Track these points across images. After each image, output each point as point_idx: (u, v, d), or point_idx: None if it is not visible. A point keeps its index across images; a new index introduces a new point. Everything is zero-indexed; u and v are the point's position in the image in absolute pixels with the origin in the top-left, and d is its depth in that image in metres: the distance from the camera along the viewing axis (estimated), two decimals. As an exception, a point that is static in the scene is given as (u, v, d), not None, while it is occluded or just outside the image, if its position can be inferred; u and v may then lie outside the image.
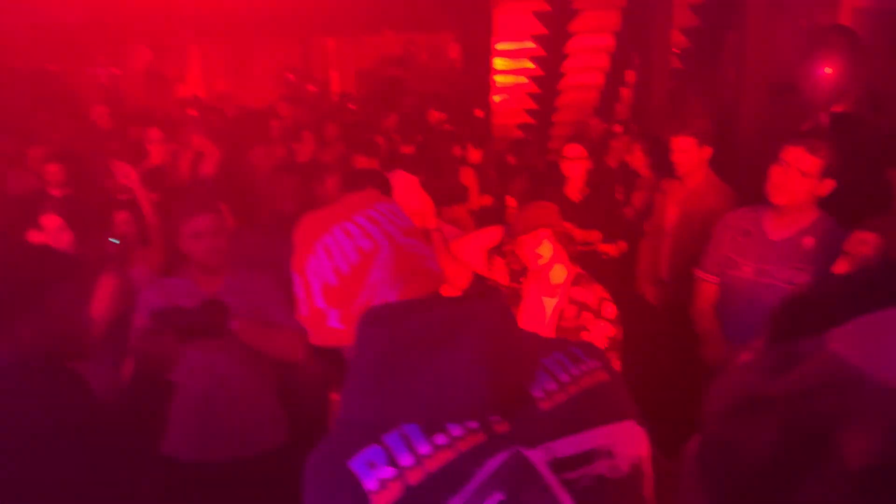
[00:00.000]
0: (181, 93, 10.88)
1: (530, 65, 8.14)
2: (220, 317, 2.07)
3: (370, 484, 0.93)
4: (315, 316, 1.17)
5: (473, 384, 1.01)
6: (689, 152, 3.73)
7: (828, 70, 4.49)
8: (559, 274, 2.65)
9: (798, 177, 2.63)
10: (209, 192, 2.88)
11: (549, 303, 2.65)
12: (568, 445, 1.03)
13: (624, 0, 7.50)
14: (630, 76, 7.98)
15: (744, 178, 4.71)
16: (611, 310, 2.58)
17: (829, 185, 2.66)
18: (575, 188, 4.36)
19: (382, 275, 1.11)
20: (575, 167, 4.34)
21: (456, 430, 0.98)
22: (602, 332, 2.54)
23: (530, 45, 7.96)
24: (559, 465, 1.01)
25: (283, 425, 2.77)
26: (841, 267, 2.33)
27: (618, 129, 6.03)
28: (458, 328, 1.03)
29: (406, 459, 0.95)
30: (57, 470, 1.51)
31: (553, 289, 2.65)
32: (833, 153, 2.62)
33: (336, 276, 1.12)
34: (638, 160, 4.95)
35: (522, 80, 8.32)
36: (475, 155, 5.78)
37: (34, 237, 3.17)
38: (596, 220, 4.25)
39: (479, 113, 8.34)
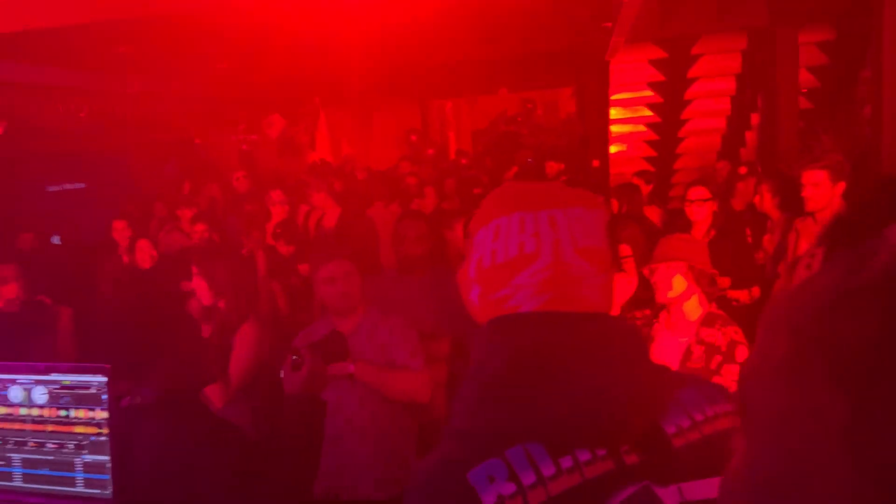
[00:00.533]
0: (311, 158, 11.60)
1: (648, 112, 8.05)
2: (340, 345, 2.18)
3: (489, 498, 0.90)
4: (465, 280, 1.13)
5: (606, 409, 0.97)
6: (821, 186, 3.55)
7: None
8: (692, 311, 2.56)
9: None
10: (340, 242, 3.05)
11: (679, 341, 2.56)
12: (699, 489, 0.98)
13: (744, 43, 7.32)
14: (754, 119, 7.71)
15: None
16: (744, 355, 2.44)
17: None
18: (700, 232, 4.22)
19: (530, 282, 1.05)
20: (700, 210, 4.21)
21: (584, 455, 0.95)
22: (733, 377, 2.40)
23: (647, 92, 7.89)
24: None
25: (395, 474, 2.79)
26: None
27: (743, 170, 5.80)
28: (595, 349, 1.01)
29: (528, 478, 0.92)
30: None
31: (684, 326, 2.56)
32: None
33: (491, 259, 1.07)
34: (766, 201, 4.73)
35: (640, 128, 8.23)
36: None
37: (186, 286, 3.48)
38: (724, 264, 4.07)
39: (595, 163, 8.32)
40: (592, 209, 1.08)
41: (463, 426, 1.00)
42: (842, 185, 3.54)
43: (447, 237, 4.09)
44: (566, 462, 0.94)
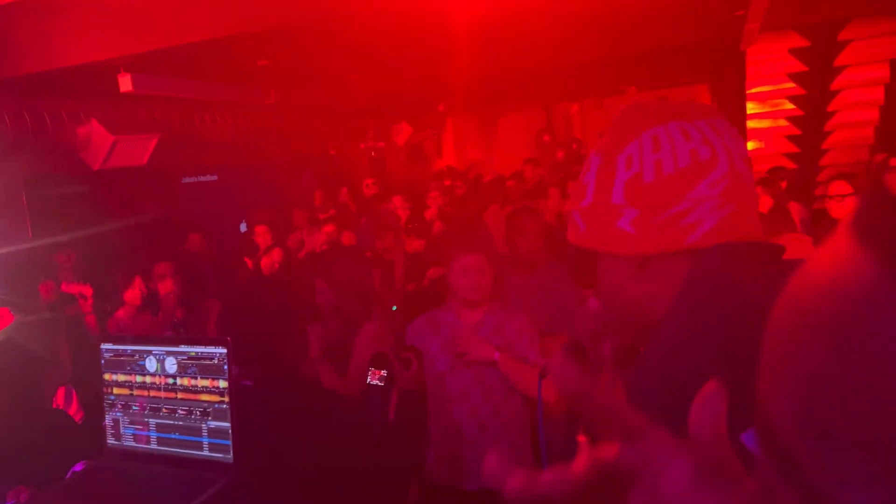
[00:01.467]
0: (438, 164, 11.86)
1: (789, 105, 7.54)
2: (413, 357, 2.21)
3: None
4: (600, 209, 0.98)
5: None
6: None
7: None
8: None
9: None
10: (482, 235, 3.14)
11: None
12: None
13: (900, 25, 6.70)
14: (914, 108, 7.03)
15: None
16: None
17: None
18: None
19: (711, 194, 0.91)
20: (843, 206, 3.91)
21: None
22: None
23: (789, 84, 7.40)
24: None
25: (529, 463, 2.80)
26: None
27: (894, 161, 5.29)
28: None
29: None
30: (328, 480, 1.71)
31: None
32: None
33: (655, 172, 0.93)
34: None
35: (781, 122, 7.72)
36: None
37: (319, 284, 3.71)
38: None
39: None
40: (727, 120, 0.98)
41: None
42: None
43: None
44: None
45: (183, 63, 5.28)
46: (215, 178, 8.60)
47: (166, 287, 4.57)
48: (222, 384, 1.70)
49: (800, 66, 7.21)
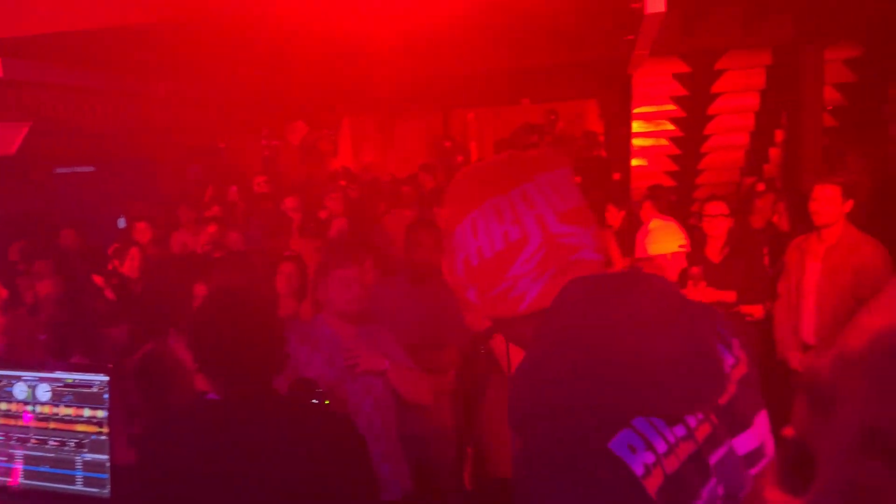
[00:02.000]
0: (333, 165, 11.68)
1: (670, 126, 8.00)
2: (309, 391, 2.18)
3: (638, 469, 0.87)
4: (455, 281, 1.07)
5: (703, 374, 0.96)
6: (831, 203, 3.53)
7: None
8: None
9: None
10: (358, 247, 3.08)
11: None
12: (748, 441, 1.03)
13: (769, 59, 7.25)
14: (778, 135, 7.63)
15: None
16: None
17: None
18: (716, 247, 4.17)
19: (527, 269, 1.00)
20: (716, 225, 4.16)
21: (692, 421, 0.95)
22: None
23: (670, 106, 7.84)
24: (750, 459, 1.02)
25: (406, 475, 2.80)
26: None
27: (761, 187, 5.72)
28: (668, 312, 0.97)
29: (661, 446, 0.90)
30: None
31: None
32: None
33: (478, 257, 1.02)
34: (784, 219, 4.68)
35: (662, 142, 8.17)
36: (616, 217, 5.66)
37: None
38: (736, 281, 4.03)
39: (616, 176, 8.28)
40: (556, 169, 1.04)
41: (580, 402, 0.94)
42: (850, 204, 3.52)
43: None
44: (680, 430, 0.93)
45: (62, 50, 4.94)
46: (92, 169, 8.08)
47: (45, 288, 4.24)
48: (101, 414, 1.60)
49: (681, 90, 7.65)
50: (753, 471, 1.03)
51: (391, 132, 12.19)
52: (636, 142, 8.19)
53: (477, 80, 8.68)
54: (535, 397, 0.97)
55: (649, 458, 0.88)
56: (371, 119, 12.03)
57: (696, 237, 4.63)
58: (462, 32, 5.73)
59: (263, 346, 1.64)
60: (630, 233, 5.61)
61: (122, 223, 7.72)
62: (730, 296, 3.95)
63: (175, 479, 1.55)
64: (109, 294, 4.56)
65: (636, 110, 7.99)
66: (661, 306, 0.98)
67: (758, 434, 1.05)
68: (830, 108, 7.09)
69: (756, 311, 4.03)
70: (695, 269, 3.64)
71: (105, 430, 1.58)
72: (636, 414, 0.91)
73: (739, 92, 7.56)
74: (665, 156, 8.19)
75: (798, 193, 4.78)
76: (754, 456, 1.04)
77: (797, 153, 6.70)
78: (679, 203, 7.44)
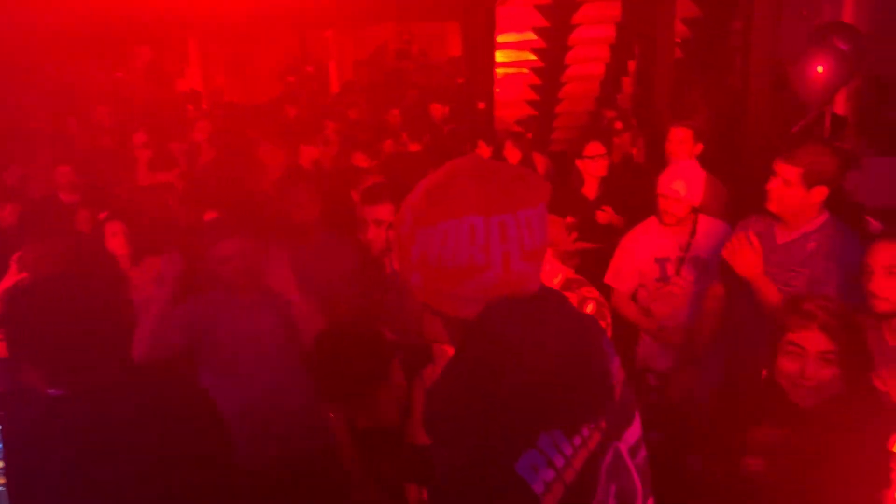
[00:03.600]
0: (180, 87, 10.85)
1: (532, 56, 8.11)
2: None
3: (538, 487, 0.96)
4: (402, 256, 1.11)
5: (599, 385, 1.08)
6: (684, 144, 3.80)
7: (820, 69, 4.51)
8: (553, 281, 2.63)
9: (783, 186, 2.66)
10: (237, 218, 2.91)
11: None
12: (630, 435, 1.14)
13: (625, -10, 7.47)
14: (632, 66, 7.96)
15: (749, 168, 4.73)
16: (593, 309, 2.50)
17: (821, 192, 2.66)
18: (592, 186, 4.26)
19: (476, 289, 1.05)
20: (596, 166, 4.19)
21: (585, 430, 1.04)
22: None
23: (532, 36, 7.93)
24: (631, 452, 1.14)
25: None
26: None
27: (619, 125, 5.99)
28: (566, 328, 1.07)
29: (559, 460, 0.99)
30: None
31: None
32: (816, 159, 2.62)
33: (437, 261, 1.06)
34: (642, 153, 4.95)
35: (524, 71, 8.29)
36: (486, 153, 5.71)
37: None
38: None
39: (481, 105, 8.33)
40: (537, 205, 1.07)
41: (490, 423, 1.00)
42: (700, 147, 3.88)
43: (354, 198, 3.94)
44: (577, 440, 1.02)
45: None
46: None
47: None
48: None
49: (543, 21, 7.74)
50: (637, 461, 1.15)
51: (247, 55, 11.47)
52: (499, 71, 8.25)
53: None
54: (450, 415, 1.05)
55: (549, 475, 0.97)
56: (223, 41, 11.24)
57: (563, 168, 4.77)
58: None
59: (93, 336, 1.54)
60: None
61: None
62: (618, 219, 4.11)
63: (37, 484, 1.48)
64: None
65: (499, 39, 8.01)
66: (563, 328, 1.07)
67: (637, 426, 1.18)
68: (679, 40, 7.46)
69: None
70: (569, 219, 3.78)
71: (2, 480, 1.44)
72: (540, 430, 1.00)
73: (596, 24, 7.76)
74: (527, 85, 8.32)
75: (653, 129, 5.05)
76: (637, 447, 1.16)
77: (649, 84, 7.03)
78: (539, 132, 7.68)
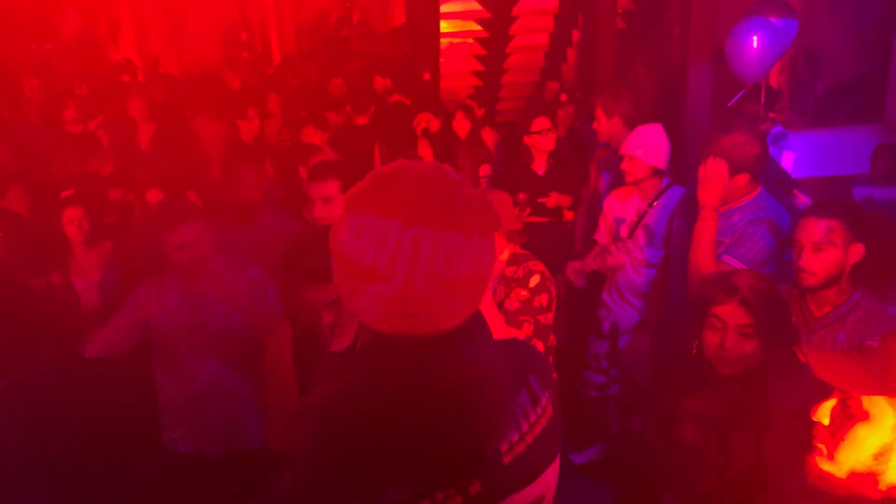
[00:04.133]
0: (114, 56, 10.39)
1: (477, 27, 8.08)
2: None
3: None
4: (332, 257, 1.07)
5: (460, 449, 1.01)
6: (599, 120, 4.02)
7: (755, 44, 4.65)
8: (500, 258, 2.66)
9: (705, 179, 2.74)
10: (189, 205, 2.88)
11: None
12: (525, 496, 1.08)
13: (569, -40, 7.47)
14: (575, 36, 8.00)
15: (689, 138, 4.85)
16: (537, 281, 2.49)
17: (743, 178, 2.74)
18: (541, 161, 4.31)
19: (376, 298, 0.98)
20: (544, 140, 4.26)
21: (440, 495, 0.99)
22: (519, 299, 2.44)
23: (476, 6, 7.88)
24: None
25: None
26: None
27: (563, 97, 6.06)
28: (441, 384, 1.00)
29: None
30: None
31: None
32: (736, 151, 2.68)
33: (346, 256, 1.00)
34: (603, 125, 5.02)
35: (469, 41, 8.25)
36: (434, 125, 5.66)
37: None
38: (562, 189, 4.27)
39: (427, 76, 8.27)
40: (473, 236, 0.99)
41: (330, 467, 0.98)
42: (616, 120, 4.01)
43: (302, 174, 3.91)
44: (425, 502, 0.98)
45: None
46: None
47: None
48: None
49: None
50: None
51: (182, 20, 11.05)
52: (444, 41, 8.19)
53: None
54: (305, 434, 1.02)
55: None
56: (157, 4, 10.79)
57: (511, 141, 4.78)
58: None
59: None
60: (444, 142, 5.74)
61: None
62: (566, 200, 4.23)
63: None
64: None
65: (443, 9, 7.94)
66: (436, 386, 1.00)
67: (542, 483, 1.12)
68: (621, 11, 7.53)
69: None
70: (521, 196, 3.84)
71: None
72: (381, 484, 0.96)
73: (541, -6, 7.76)
74: (472, 56, 8.30)
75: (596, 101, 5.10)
76: None
77: (592, 53, 7.08)
78: (486, 103, 7.66)
